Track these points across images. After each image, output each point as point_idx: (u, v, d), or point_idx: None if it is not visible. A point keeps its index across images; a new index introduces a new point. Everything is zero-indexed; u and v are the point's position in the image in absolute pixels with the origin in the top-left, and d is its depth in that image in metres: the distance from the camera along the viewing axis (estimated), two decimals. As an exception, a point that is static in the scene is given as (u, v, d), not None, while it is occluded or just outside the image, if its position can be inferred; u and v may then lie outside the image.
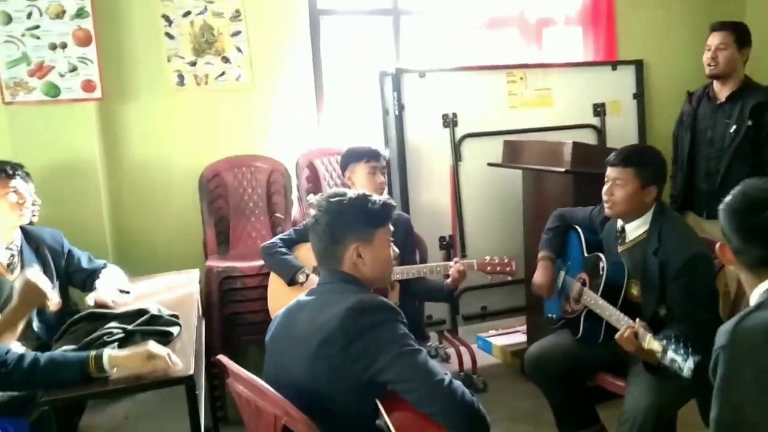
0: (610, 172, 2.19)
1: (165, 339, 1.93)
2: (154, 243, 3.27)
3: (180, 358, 1.76)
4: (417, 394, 1.40)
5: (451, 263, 2.54)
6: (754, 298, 1.33)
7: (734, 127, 2.97)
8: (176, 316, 2.06)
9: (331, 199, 1.58)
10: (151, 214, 3.29)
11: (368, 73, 3.56)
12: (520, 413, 2.93)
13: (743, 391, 1.22)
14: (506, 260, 2.59)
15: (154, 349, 1.70)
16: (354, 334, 1.41)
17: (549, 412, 2.47)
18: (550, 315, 2.52)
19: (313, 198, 1.68)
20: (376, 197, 1.61)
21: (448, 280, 2.52)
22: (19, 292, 1.89)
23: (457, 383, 1.44)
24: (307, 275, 2.51)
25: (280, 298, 2.48)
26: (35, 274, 1.95)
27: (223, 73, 3.34)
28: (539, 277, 2.45)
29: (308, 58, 3.52)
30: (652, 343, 1.77)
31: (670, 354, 1.68)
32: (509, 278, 2.64)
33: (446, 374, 1.44)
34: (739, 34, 2.99)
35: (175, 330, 1.98)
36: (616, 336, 1.92)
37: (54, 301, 1.94)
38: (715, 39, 3.00)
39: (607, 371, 2.27)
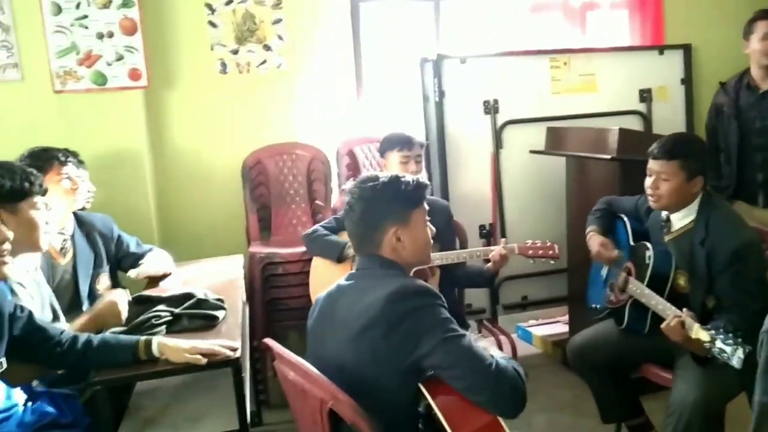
0: (653, 165, 2.12)
1: (211, 322, 1.97)
2: (199, 229, 3.33)
3: (227, 341, 1.79)
4: (463, 382, 1.39)
5: (493, 247, 2.52)
6: None
7: None
8: (222, 300, 2.10)
9: (364, 185, 1.56)
10: (196, 201, 3.35)
11: (408, 60, 3.54)
12: (561, 403, 2.90)
13: None
14: (549, 243, 2.55)
15: (201, 345, 1.73)
16: (396, 319, 1.41)
17: (590, 402, 2.44)
18: (594, 305, 2.48)
19: (346, 185, 1.68)
20: (408, 177, 1.58)
21: (489, 265, 2.50)
22: (101, 308, 2.00)
23: (504, 364, 1.42)
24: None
25: (324, 285, 2.49)
26: (121, 296, 2.04)
27: (264, 61, 3.36)
28: (593, 245, 2.36)
29: (348, 45, 3.51)
30: (699, 332, 1.73)
31: (719, 344, 1.64)
32: (552, 262, 2.59)
33: (492, 357, 1.42)
34: None
35: (220, 314, 2.02)
36: (663, 325, 1.88)
37: (123, 320, 2.00)
38: None
39: (653, 363, 2.23)
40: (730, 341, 1.62)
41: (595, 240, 2.37)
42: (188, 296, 2.06)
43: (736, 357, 1.58)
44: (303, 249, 2.78)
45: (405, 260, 1.57)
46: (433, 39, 3.67)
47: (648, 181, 2.15)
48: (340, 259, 2.52)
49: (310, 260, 2.70)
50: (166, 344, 1.73)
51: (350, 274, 1.61)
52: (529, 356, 3.43)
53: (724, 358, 1.63)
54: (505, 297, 3.46)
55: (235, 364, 1.74)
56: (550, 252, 2.54)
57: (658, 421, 2.30)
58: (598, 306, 2.44)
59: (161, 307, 1.98)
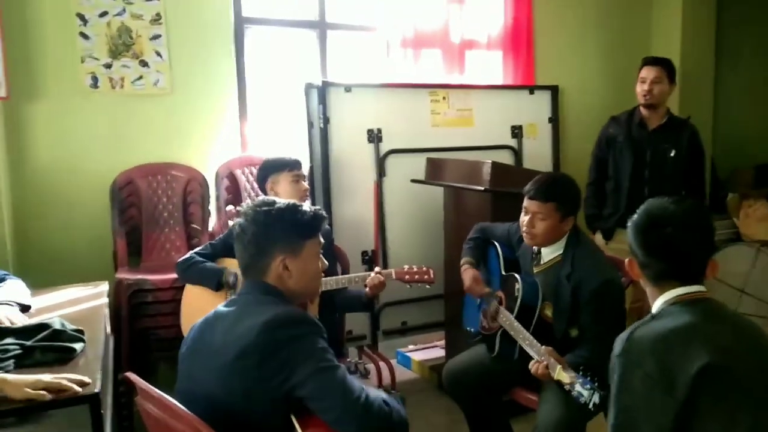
0: (530, 204, 2.23)
1: (68, 355, 1.81)
2: (61, 253, 3.08)
3: (84, 375, 1.65)
4: (332, 415, 1.37)
5: (371, 273, 2.54)
6: (653, 309, 1.42)
7: (674, 151, 3.24)
8: (81, 331, 1.93)
9: (259, 209, 1.52)
10: (58, 222, 3.10)
11: (293, 85, 3.54)
12: (437, 428, 2.95)
13: (633, 396, 1.30)
14: (424, 268, 2.62)
15: (45, 378, 1.58)
16: (270, 348, 1.36)
17: (465, 427, 2.51)
18: (468, 328, 2.57)
19: (241, 206, 1.63)
20: (306, 207, 1.57)
21: (366, 290, 2.52)
22: None
23: (374, 397, 1.42)
24: (236, 274, 2.40)
25: (195, 315, 2.38)
26: None
27: (140, 77, 3.22)
28: (467, 280, 2.46)
29: (232, 66, 3.45)
30: (561, 374, 1.86)
31: (578, 387, 1.78)
32: (427, 287, 2.66)
33: (363, 390, 1.41)
34: (670, 71, 3.27)
35: (78, 346, 1.86)
36: (530, 366, 2.01)
37: None
38: (650, 72, 3.23)
39: (522, 386, 2.33)
40: (588, 386, 1.75)
41: (468, 274, 2.47)
42: (43, 327, 1.88)
43: (592, 402, 1.72)
44: (175, 276, 2.65)
45: (290, 290, 1.53)
46: (319, 66, 3.69)
47: (524, 219, 2.26)
48: (218, 287, 2.43)
49: (182, 288, 2.57)
50: (5, 379, 1.56)
51: (231, 300, 1.56)
52: (407, 381, 3.48)
53: (581, 401, 1.76)
54: (386, 323, 3.50)
55: (93, 400, 1.61)
56: (425, 277, 2.60)
57: (525, 442, 2.41)
58: (472, 329, 2.53)
59: (9, 339, 1.79)
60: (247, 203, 1.61)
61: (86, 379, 1.63)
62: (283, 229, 1.51)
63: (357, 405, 1.37)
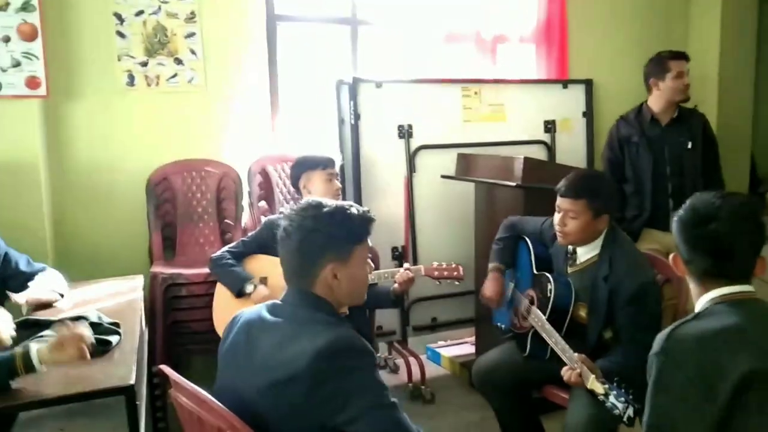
0: (561, 202, 2.20)
1: (104, 348, 1.86)
2: (98, 247, 3.16)
3: (121, 367, 1.70)
4: None
5: (400, 269, 2.54)
6: (697, 307, 1.38)
7: (690, 143, 3.19)
8: (117, 324, 1.99)
9: (305, 213, 1.44)
10: (96, 218, 3.18)
11: (325, 81, 3.55)
12: (467, 424, 2.94)
13: (670, 398, 1.26)
14: (453, 265, 2.61)
15: (79, 330, 1.65)
16: (323, 378, 1.29)
17: (495, 423, 2.49)
18: (499, 324, 2.54)
19: (285, 208, 1.60)
20: (354, 209, 1.48)
21: (395, 286, 2.52)
22: None
23: None
24: (255, 286, 2.48)
25: (226, 311, 2.43)
26: (3, 319, 1.87)
27: (175, 75, 3.27)
28: (489, 289, 2.47)
29: (264, 63, 3.48)
30: (594, 384, 1.82)
31: (612, 399, 1.73)
32: (456, 283, 2.65)
33: (419, 431, 1.37)
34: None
35: (114, 339, 1.91)
36: (562, 373, 1.97)
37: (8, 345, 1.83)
38: (686, 67, 3.20)
39: (553, 384, 2.30)
40: (622, 399, 1.70)
41: (491, 284, 2.46)
42: (80, 319, 1.93)
43: (626, 415, 1.68)
44: (208, 270, 2.70)
45: (338, 299, 1.46)
46: (350, 62, 3.70)
47: (556, 218, 2.23)
48: (239, 294, 2.48)
49: (215, 282, 2.62)
50: (44, 348, 1.61)
51: (275, 307, 1.47)
52: (438, 377, 3.47)
53: (615, 413, 1.71)
54: (415, 319, 3.49)
55: (129, 392, 1.65)
56: (455, 273, 2.60)
57: (557, 440, 2.38)
58: (503, 326, 2.50)
59: (48, 332, 1.85)
60: (290, 205, 1.57)
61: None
62: (332, 236, 1.42)
63: None
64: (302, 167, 2.69)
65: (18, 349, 1.61)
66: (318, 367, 1.29)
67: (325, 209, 1.44)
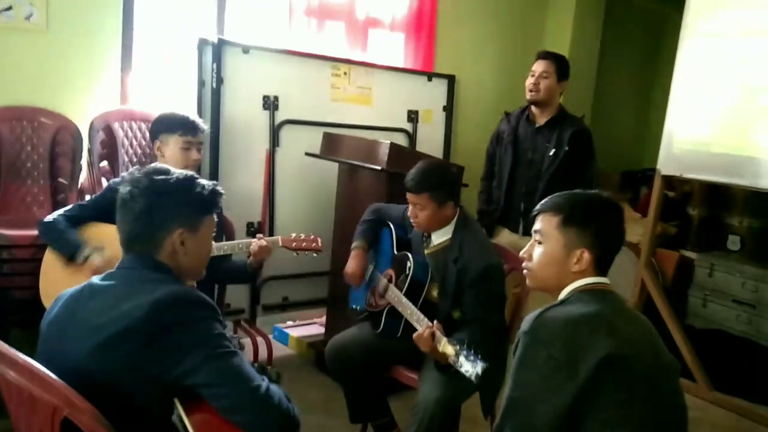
0: (408, 196, 2.30)
1: None
2: None
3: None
4: (226, 402, 1.27)
5: (254, 240, 2.41)
6: (561, 295, 1.48)
7: (553, 150, 3.11)
8: None
9: (155, 176, 1.38)
10: None
11: (186, 39, 3.30)
12: (312, 404, 2.93)
13: (533, 374, 1.34)
14: (312, 236, 2.56)
15: None
16: (159, 330, 1.25)
17: (340, 404, 2.51)
18: (354, 306, 2.56)
19: (126, 172, 1.46)
20: (204, 181, 1.44)
21: (250, 258, 2.42)
22: None
23: (275, 390, 1.34)
24: (90, 253, 2.21)
25: (55, 280, 2.20)
26: None
27: (9, 8, 2.84)
28: (351, 266, 2.47)
29: (118, 10, 3.15)
30: (446, 347, 1.88)
31: (462, 359, 1.80)
32: (315, 255, 2.60)
33: (264, 380, 1.33)
34: (561, 66, 3.15)
35: None
36: (415, 334, 2.02)
37: None
38: (539, 66, 3.14)
39: (403, 365, 2.37)
40: (472, 358, 1.78)
41: (354, 261, 2.47)
42: None
43: (474, 373, 1.75)
44: (36, 233, 2.38)
45: (181, 267, 1.42)
46: (215, 22, 3.48)
47: (410, 209, 2.33)
48: (71, 258, 2.21)
49: (44, 247, 2.32)
50: None
51: (109, 273, 1.40)
52: (284, 357, 3.42)
53: (464, 372, 1.79)
54: (266, 297, 3.40)
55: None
56: (313, 245, 2.54)
57: (401, 419, 2.45)
58: (358, 307, 2.52)
59: None
60: (135, 169, 1.46)
61: None
62: (184, 202, 1.40)
63: (255, 394, 1.28)
64: (159, 126, 2.43)
65: None
66: (155, 319, 1.26)
67: (175, 175, 1.42)
